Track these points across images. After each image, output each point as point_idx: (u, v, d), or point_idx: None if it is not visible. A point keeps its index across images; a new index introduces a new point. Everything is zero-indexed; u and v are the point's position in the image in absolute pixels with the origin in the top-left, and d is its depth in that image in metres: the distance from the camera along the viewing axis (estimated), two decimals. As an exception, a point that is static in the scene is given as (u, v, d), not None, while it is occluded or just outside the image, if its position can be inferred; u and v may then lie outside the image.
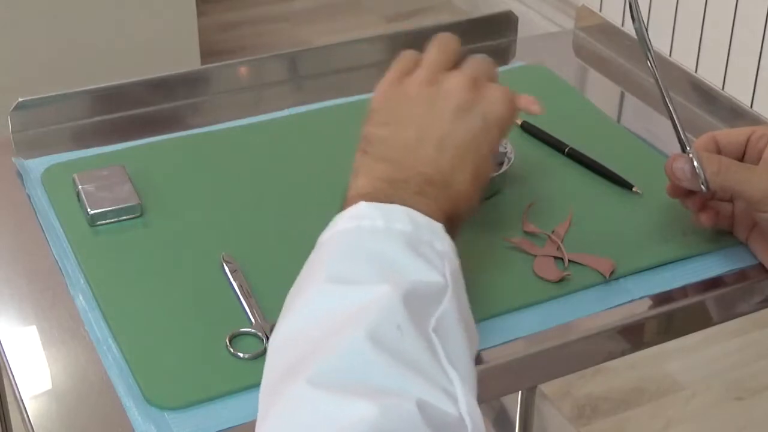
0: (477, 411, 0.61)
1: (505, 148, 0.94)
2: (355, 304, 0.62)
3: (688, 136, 0.85)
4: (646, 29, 0.84)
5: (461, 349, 0.64)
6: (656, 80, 0.84)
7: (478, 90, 0.75)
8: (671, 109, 0.85)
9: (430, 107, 0.75)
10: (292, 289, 0.67)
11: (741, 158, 0.85)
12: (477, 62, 0.78)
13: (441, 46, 0.79)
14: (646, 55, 0.84)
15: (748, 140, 0.85)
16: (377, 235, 0.66)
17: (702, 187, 0.82)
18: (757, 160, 0.83)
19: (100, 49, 2.25)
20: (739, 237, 0.87)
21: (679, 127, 0.85)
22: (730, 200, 0.87)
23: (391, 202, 0.69)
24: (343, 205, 0.71)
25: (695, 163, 0.82)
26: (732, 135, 0.86)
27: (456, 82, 0.75)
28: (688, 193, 0.86)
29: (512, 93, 0.77)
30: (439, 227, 0.69)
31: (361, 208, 0.68)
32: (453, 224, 0.71)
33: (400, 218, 0.67)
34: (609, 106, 1.15)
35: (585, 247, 0.87)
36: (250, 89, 1.11)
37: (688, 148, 0.83)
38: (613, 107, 1.15)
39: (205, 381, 0.75)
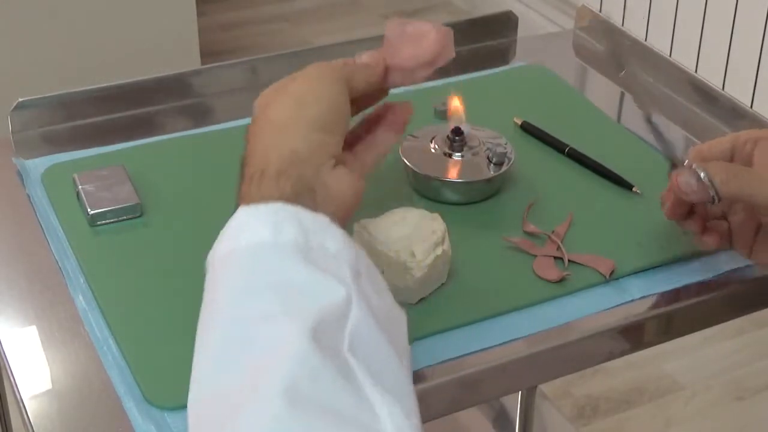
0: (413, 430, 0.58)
1: (505, 148, 0.94)
2: (264, 349, 0.60)
3: (694, 140, 0.84)
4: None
5: (385, 358, 0.62)
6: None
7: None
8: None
9: None
10: (199, 325, 0.65)
11: None
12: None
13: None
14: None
15: (732, 148, 0.82)
16: (268, 253, 0.64)
17: (714, 197, 0.79)
18: (747, 166, 0.81)
19: (100, 49, 2.25)
20: (741, 252, 0.84)
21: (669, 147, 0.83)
22: (723, 217, 0.84)
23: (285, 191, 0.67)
24: (242, 174, 0.71)
25: (701, 174, 0.79)
26: (714, 146, 0.83)
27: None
28: (686, 216, 0.83)
29: None
30: (326, 221, 0.67)
31: (242, 217, 0.67)
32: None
33: (286, 225, 0.65)
34: (609, 106, 1.15)
35: (585, 247, 0.87)
36: (250, 89, 1.11)
37: (686, 161, 0.82)
38: (613, 107, 1.15)
39: (205, 381, 0.74)
